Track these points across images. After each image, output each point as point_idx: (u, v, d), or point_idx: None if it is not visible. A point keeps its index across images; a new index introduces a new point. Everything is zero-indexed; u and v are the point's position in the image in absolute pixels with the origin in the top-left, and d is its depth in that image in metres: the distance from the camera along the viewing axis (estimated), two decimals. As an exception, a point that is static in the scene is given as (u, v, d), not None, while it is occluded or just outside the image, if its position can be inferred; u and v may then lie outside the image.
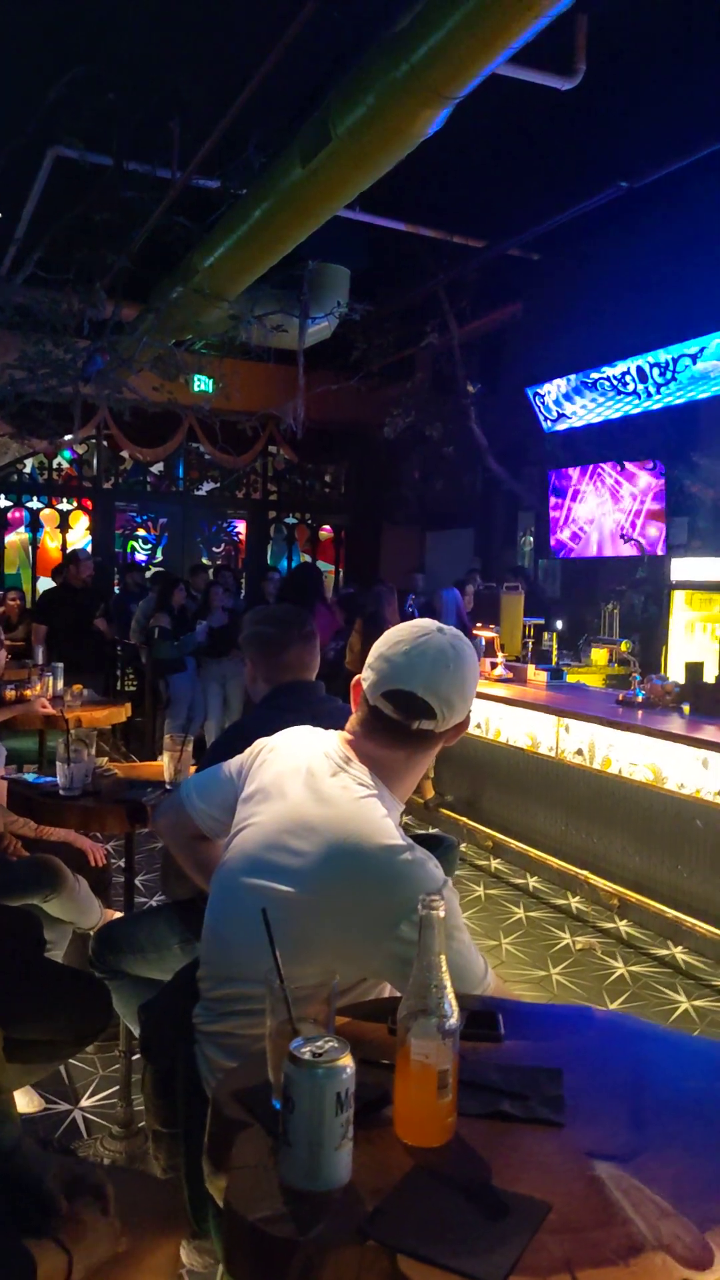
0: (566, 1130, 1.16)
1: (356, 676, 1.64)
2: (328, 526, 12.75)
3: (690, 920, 4.35)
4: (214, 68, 5.40)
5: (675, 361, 7.16)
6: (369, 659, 1.61)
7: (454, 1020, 1.14)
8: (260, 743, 1.75)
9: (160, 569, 11.03)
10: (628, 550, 8.42)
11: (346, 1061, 1.05)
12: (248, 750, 1.76)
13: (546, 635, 7.28)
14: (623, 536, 8.45)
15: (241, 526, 12.47)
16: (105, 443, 10.98)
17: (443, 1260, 0.93)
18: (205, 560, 11.52)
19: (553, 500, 9.27)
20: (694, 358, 6.97)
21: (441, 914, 1.16)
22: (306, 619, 2.56)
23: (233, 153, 6.13)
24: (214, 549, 12.36)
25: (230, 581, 9.00)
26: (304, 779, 1.60)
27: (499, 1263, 0.92)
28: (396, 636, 1.59)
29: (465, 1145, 1.13)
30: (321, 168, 4.92)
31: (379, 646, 1.60)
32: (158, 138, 5.98)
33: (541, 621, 7.75)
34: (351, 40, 4.71)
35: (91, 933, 2.80)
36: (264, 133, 5.83)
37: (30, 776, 3.47)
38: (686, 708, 4.92)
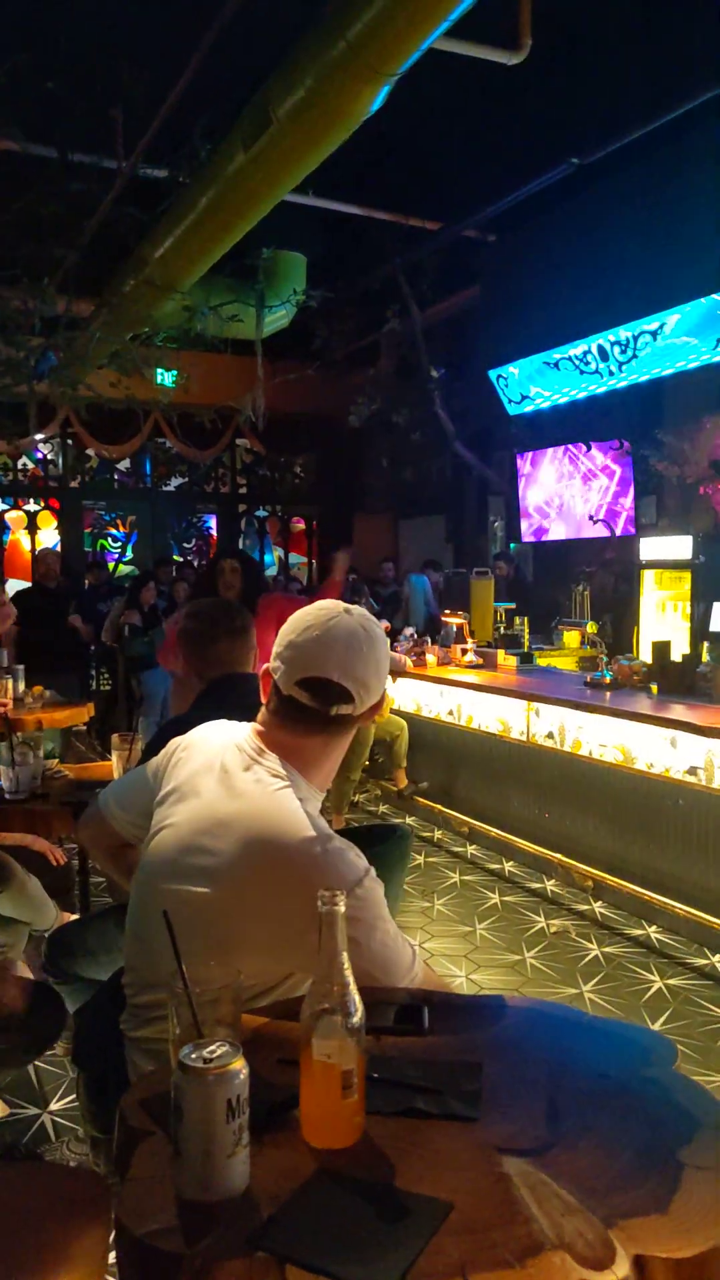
0: (479, 1125, 1.13)
1: (265, 666, 1.60)
2: (299, 518, 12.68)
3: (663, 899, 4.34)
4: (154, 53, 5.31)
5: (635, 339, 7.12)
6: (276, 647, 1.56)
7: (357, 1018, 1.10)
8: (175, 742, 1.70)
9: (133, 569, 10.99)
10: (597, 531, 8.40)
11: (238, 1066, 1.01)
12: (163, 751, 1.72)
13: (517, 620, 7.25)
14: (591, 518, 8.42)
15: (213, 521, 12.38)
16: (70, 441, 10.88)
17: (332, 1269, 0.89)
18: (177, 556, 11.43)
19: (521, 484, 9.23)
20: (654, 334, 6.93)
21: (342, 909, 1.12)
22: (237, 613, 2.52)
23: (181, 141, 6.05)
24: (185, 545, 12.27)
25: (195, 576, 8.93)
26: (217, 775, 1.56)
27: (391, 1270, 0.89)
28: (305, 622, 1.54)
29: (373, 1145, 1.10)
30: (263, 152, 4.85)
31: (286, 633, 1.55)
32: (101, 127, 5.89)
33: (513, 606, 7.73)
34: (292, 21, 4.64)
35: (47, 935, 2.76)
36: (210, 119, 5.74)
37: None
38: (654, 687, 4.90)
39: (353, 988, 1.11)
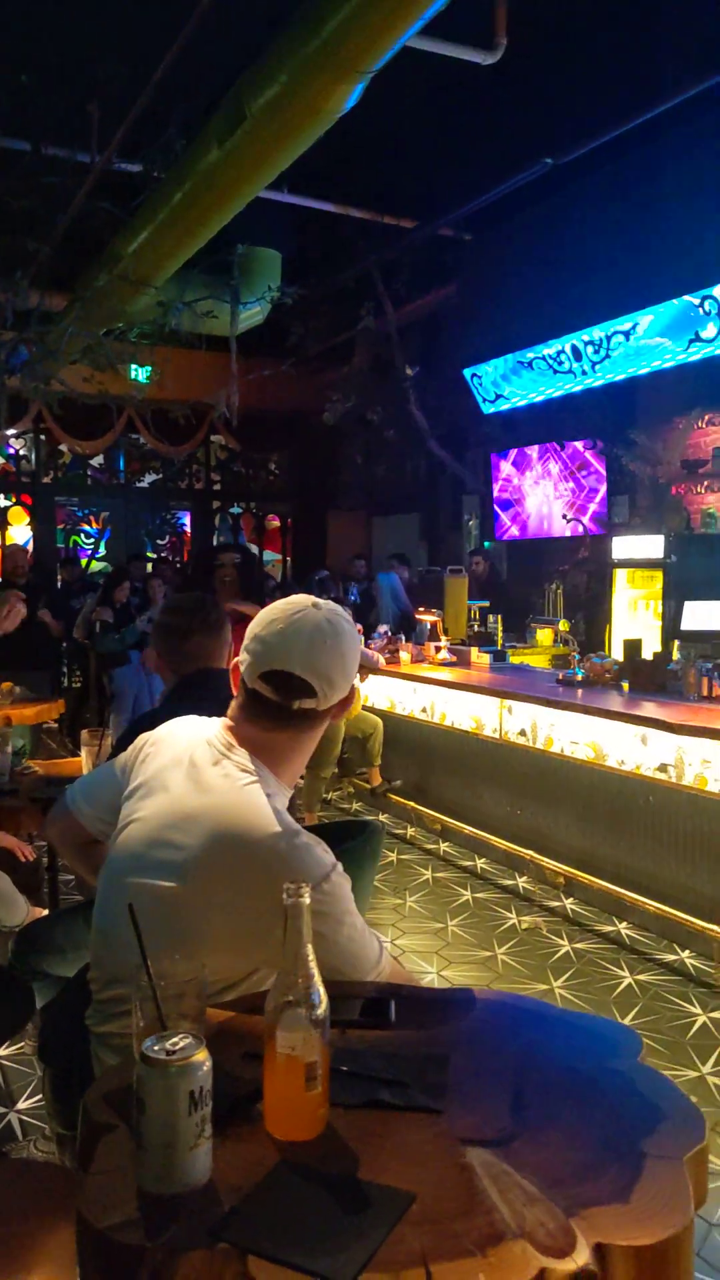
0: (444, 1117, 1.13)
1: (234, 660, 1.59)
2: (274, 515, 12.66)
3: (633, 896, 4.36)
4: (129, 47, 5.28)
5: (609, 339, 7.17)
6: (245, 641, 1.56)
7: (321, 1010, 1.10)
8: (143, 737, 1.69)
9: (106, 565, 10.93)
10: (571, 530, 8.44)
11: (201, 1058, 1.01)
12: (131, 746, 1.71)
13: (491, 618, 7.27)
14: (565, 516, 8.47)
15: (188, 518, 12.34)
16: (43, 437, 10.80)
17: (294, 1260, 0.89)
18: (150, 553, 11.38)
19: (495, 482, 9.27)
20: (627, 334, 6.98)
21: (306, 901, 1.12)
22: (211, 608, 2.50)
23: (155, 135, 6.02)
24: (159, 541, 12.22)
25: (169, 573, 8.90)
26: (185, 770, 1.55)
27: (352, 1260, 0.88)
28: (271, 616, 1.54)
29: (337, 1137, 1.10)
30: (238, 147, 4.83)
31: (253, 627, 1.55)
32: (75, 121, 5.85)
33: (487, 604, 7.75)
34: (268, 16, 4.63)
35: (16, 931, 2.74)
36: (185, 113, 5.72)
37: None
38: (626, 685, 4.92)
39: (317, 980, 1.11)
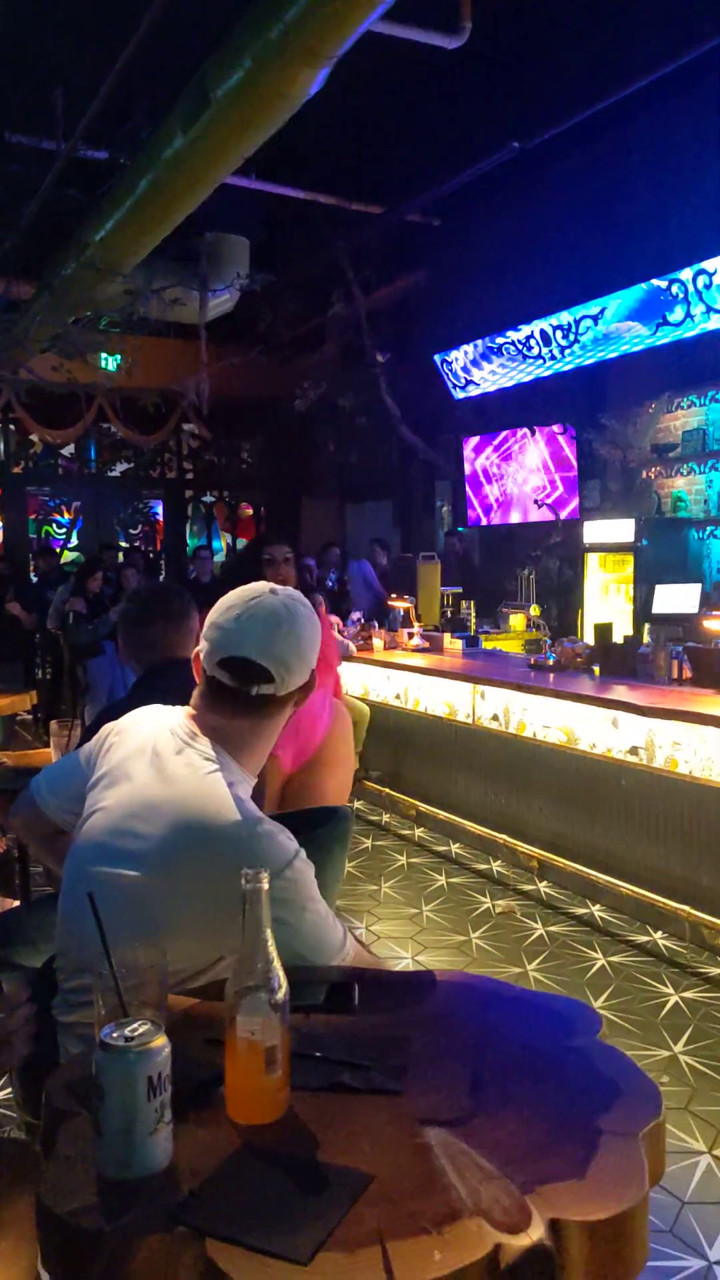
0: (404, 1098, 1.14)
1: (196, 649, 1.59)
2: (247, 503, 12.62)
3: (606, 878, 4.40)
4: (93, 33, 5.23)
5: (577, 324, 7.18)
6: (204, 629, 1.56)
7: (281, 995, 1.11)
8: (107, 727, 1.69)
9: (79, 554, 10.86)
10: (543, 515, 8.47)
11: (160, 1044, 1.02)
12: (96, 736, 1.70)
13: (464, 604, 7.29)
14: (537, 502, 8.49)
15: (160, 507, 12.28)
16: (13, 426, 10.71)
17: (250, 1241, 0.90)
18: (123, 543, 11.32)
19: (467, 468, 9.28)
20: (595, 319, 7.00)
21: (265, 887, 1.13)
22: (175, 596, 2.49)
23: (121, 122, 5.96)
24: (131, 531, 12.16)
25: (141, 562, 8.86)
26: (149, 759, 1.55)
27: (308, 1239, 0.89)
28: (229, 602, 1.54)
29: (297, 1121, 1.10)
30: (203, 134, 4.79)
31: (212, 614, 1.55)
32: (40, 108, 5.78)
33: (460, 590, 7.76)
34: (231, 2, 4.58)
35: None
36: (151, 100, 5.67)
37: None
38: (597, 669, 4.95)
39: (277, 965, 1.12)
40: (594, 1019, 1.32)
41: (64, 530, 11.94)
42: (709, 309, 6.15)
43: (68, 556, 11.33)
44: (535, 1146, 1.03)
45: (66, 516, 11.97)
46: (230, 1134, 1.08)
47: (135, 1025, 1.03)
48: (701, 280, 6.11)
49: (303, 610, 1.56)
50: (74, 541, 11.80)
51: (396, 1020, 1.33)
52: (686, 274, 6.17)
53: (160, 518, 12.24)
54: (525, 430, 8.47)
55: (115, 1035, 1.02)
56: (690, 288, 6.20)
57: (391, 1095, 1.15)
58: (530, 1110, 1.10)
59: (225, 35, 4.48)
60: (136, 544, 11.44)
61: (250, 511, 12.60)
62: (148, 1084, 0.99)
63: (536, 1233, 0.90)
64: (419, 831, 5.63)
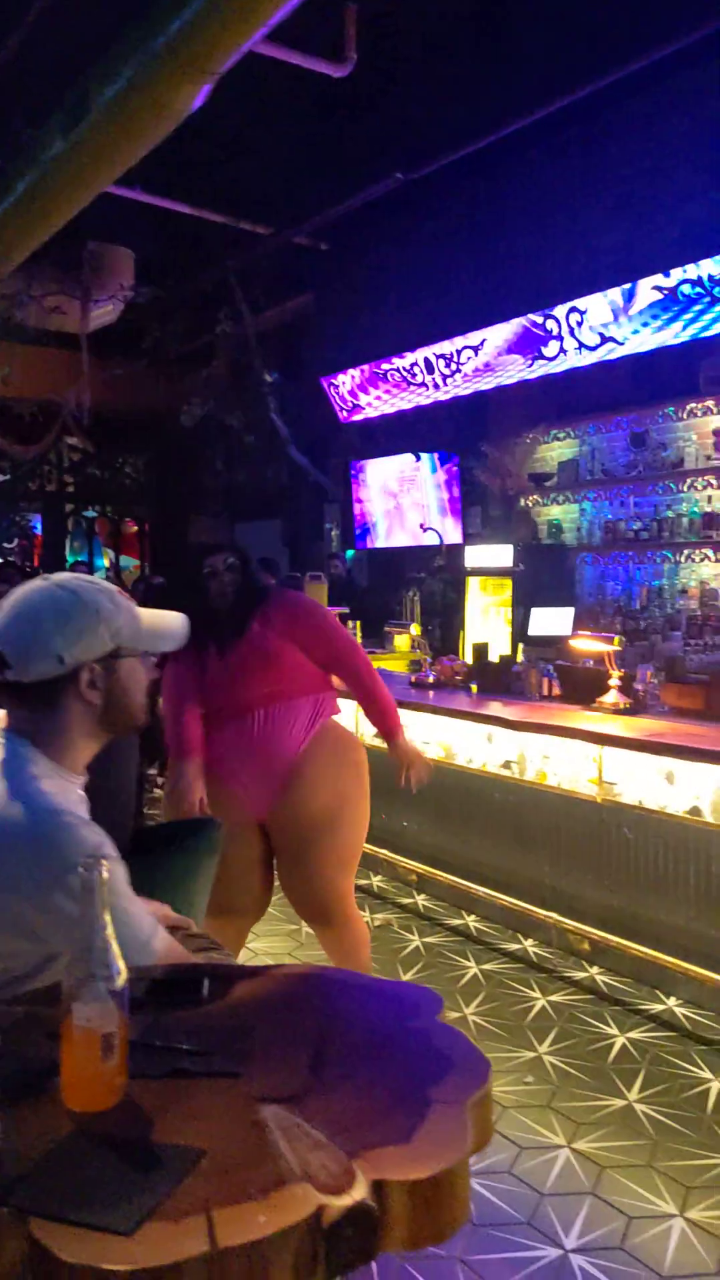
0: (244, 1080, 1.15)
1: None
2: (131, 519, 12.43)
3: (483, 889, 4.49)
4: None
5: (458, 353, 7.38)
6: None
7: (119, 981, 1.11)
8: None
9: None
10: (428, 539, 8.63)
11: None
12: None
13: (350, 623, 7.35)
14: (422, 526, 8.64)
15: (39, 521, 11.99)
16: None
17: (73, 1216, 0.90)
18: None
19: (355, 491, 9.38)
20: (475, 349, 7.20)
21: (102, 876, 1.13)
22: None
23: (1, 122, 5.86)
24: (7, 545, 11.82)
25: (17, 578, 8.62)
26: None
27: (133, 1211, 0.90)
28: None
29: (134, 1106, 1.11)
30: (83, 140, 4.76)
31: None
32: None
33: (346, 610, 7.82)
34: (117, 7, 4.57)
35: None
36: (31, 101, 5.59)
37: None
38: (474, 687, 5.07)
39: (114, 952, 1.12)
40: (435, 1001, 1.35)
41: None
42: (581, 345, 6.40)
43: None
44: (367, 1116, 1.06)
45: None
46: (64, 1121, 1.07)
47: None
48: (574, 318, 6.35)
49: (38, 593, 1.55)
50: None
51: (243, 1010, 1.34)
52: (560, 310, 6.41)
53: (39, 532, 11.95)
54: (411, 456, 8.62)
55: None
56: (564, 324, 6.44)
57: (231, 1078, 1.16)
58: (367, 1085, 1.13)
59: (109, 43, 4.47)
60: (12, 559, 11.11)
61: (135, 528, 12.42)
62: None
63: (359, 1193, 0.93)
64: (298, 848, 5.62)
